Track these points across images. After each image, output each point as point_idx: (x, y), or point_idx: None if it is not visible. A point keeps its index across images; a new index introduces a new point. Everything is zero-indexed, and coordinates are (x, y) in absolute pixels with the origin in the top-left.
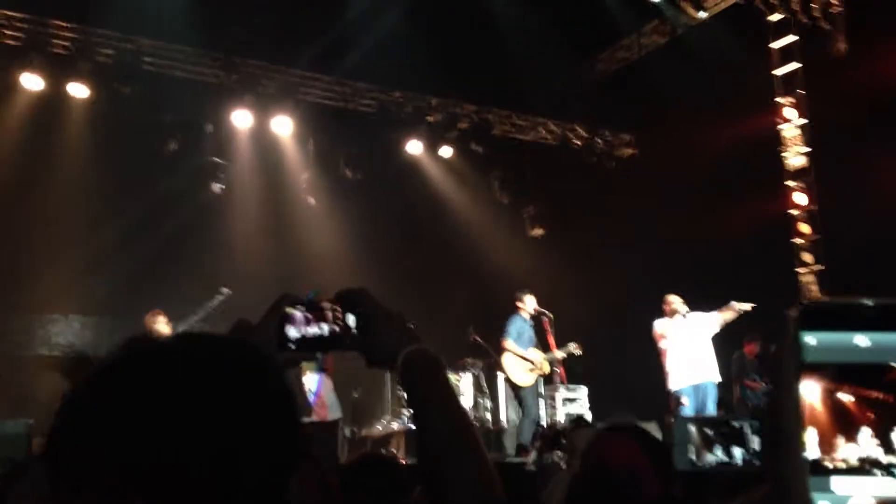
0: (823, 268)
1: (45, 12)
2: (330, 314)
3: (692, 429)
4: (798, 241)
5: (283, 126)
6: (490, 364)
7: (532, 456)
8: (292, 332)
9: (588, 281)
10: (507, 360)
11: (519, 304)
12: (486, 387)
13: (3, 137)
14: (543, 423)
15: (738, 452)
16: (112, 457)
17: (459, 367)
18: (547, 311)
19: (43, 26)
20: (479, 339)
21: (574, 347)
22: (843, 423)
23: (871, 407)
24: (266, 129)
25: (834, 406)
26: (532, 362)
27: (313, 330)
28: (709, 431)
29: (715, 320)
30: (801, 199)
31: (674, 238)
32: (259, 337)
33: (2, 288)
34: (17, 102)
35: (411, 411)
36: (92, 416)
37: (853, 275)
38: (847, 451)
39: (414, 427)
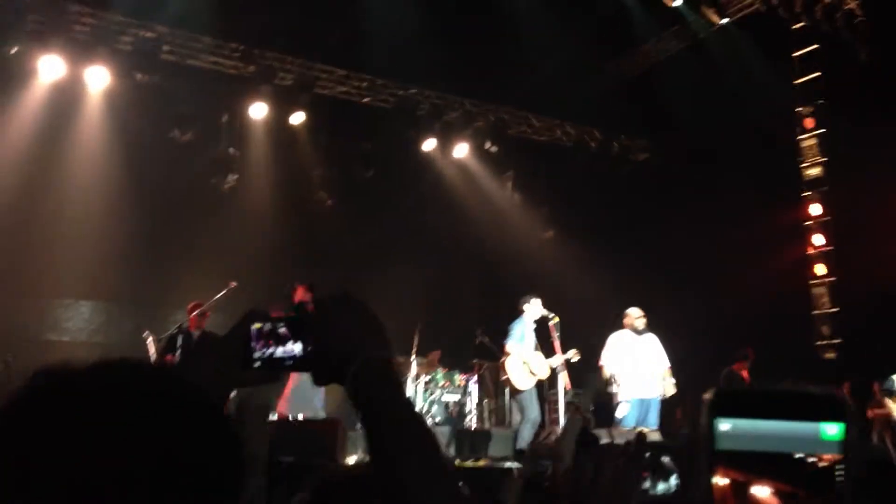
0: (835, 279)
1: None
2: (301, 334)
3: (666, 459)
4: (812, 252)
5: (299, 119)
6: (497, 366)
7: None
8: (257, 350)
9: (598, 284)
10: (508, 362)
11: (524, 308)
12: (492, 388)
13: (22, 123)
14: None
15: (662, 486)
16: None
17: (469, 368)
18: (553, 315)
19: (64, 11)
20: (486, 340)
21: (573, 354)
22: None
23: (784, 501)
24: (282, 121)
25: (747, 499)
26: (529, 366)
27: (279, 350)
28: (664, 459)
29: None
30: (815, 208)
31: (686, 244)
32: (222, 353)
33: (15, 272)
34: (37, 88)
35: (364, 427)
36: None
37: (865, 288)
38: None
39: (366, 442)
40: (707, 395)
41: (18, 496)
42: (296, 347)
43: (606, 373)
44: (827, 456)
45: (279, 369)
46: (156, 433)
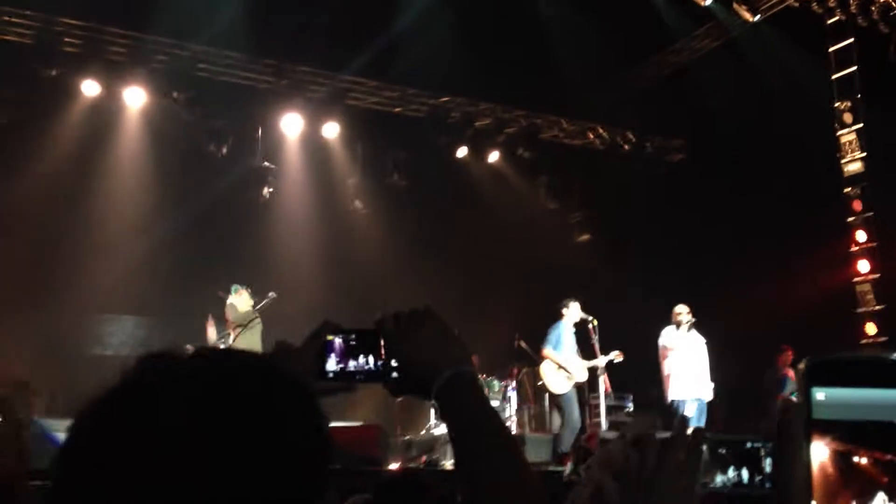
0: (879, 276)
1: (101, 20)
2: (372, 348)
3: (703, 447)
4: (854, 249)
5: (332, 131)
6: (535, 371)
7: (569, 466)
8: (332, 362)
9: (635, 287)
10: (545, 367)
11: (563, 311)
12: (531, 394)
13: (63, 142)
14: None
15: (748, 474)
16: (123, 484)
17: (507, 375)
18: (592, 318)
19: (100, 33)
20: (524, 345)
21: (616, 355)
22: (856, 487)
23: (885, 470)
24: (315, 133)
25: (846, 468)
26: (567, 370)
27: (352, 362)
28: (721, 450)
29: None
30: (856, 205)
31: (723, 245)
32: (297, 364)
33: (58, 287)
34: (76, 108)
35: (450, 438)
36: (104, 441)
37: None
38: None
39: (454, 453)
40: (802, 365)
41: (131, 480)
42: (369, 360)
43: (665, 370)
44: None
45: (353, 381)
46: (266, 421)
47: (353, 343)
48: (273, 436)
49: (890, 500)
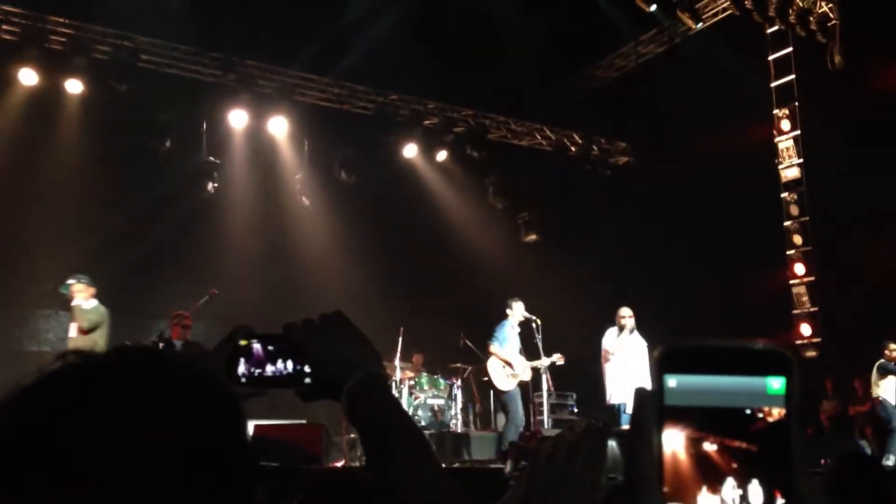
0: (814, 278)
1: (42, 8)
2: (287, 352)
3: (612, 444)
4: (791, 252)
5: (279, 126)
6: (480, 369)
7: (509, 464)
8: (242, 367)
9: (580, 288)
10: (491, 364)
11: (507, 311)
12: (476, 392)
13: None
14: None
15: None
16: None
17: (452, 373)
18: (536, 318)
19: (40, 21)
20: (469, 343)
21: (557, 358)
22: (707, 474)
23: (734, 456)
24: (262, 129)
25: (697, 455)
26: (512, 368)
27: (267, 367)
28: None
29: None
30: (793, 209)
31: (668, 246)
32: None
33: None
34: (13, 97)
35: (361, 439)
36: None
37: (845, 287)
38: (709, 503)
39: (365, 454)
40: (655, 353)
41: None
42: (283, 365)
43: (606, 369)
44: (775, 411)
45: (265, 386)
46: (177, 421)
47: (269, 348)
48: (184, 436)
49: (738, 486)
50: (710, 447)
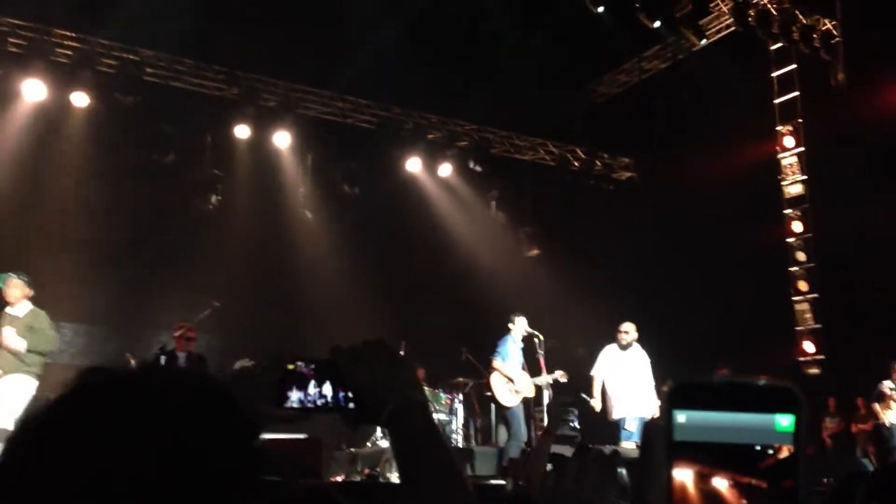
0: (817, 296)
1: (48, 21)
2: (331, 377)
3: (621, 471)
4: (794, 269)
5: (282, 139)
6: (482, 384)
7: (509, 481)
8: (293, 392)
9: (583, 303)
10: (494, 380)
11: (510, 326)
12: (478, 407)
13: (4, 144)
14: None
15: None
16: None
17: (453, 387)
18: (538, 333)
19: (46, 34)
20: (471, 357)
21: (560, 375)
22: None
23: (742, 492)
24: (266, 142)
25: (706, 490)
26: (514, 383)
27: (312, 391)
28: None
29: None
30: (797, 226)
31: (671, 261)
32: (257, 392)
33: None
34: (19, 109)
35: (398, 461)
36: (48, 442)
37: (849, 305)
38: None
39: (400, 474)
40: (664, 388)
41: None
42: (327, 389)
43: (595, 386)
44: (784, 447)
45: (313, 412)
46: (192, 437)
47: (315, 372)
48: (198, 451)
49: None
50: (719, 482)
